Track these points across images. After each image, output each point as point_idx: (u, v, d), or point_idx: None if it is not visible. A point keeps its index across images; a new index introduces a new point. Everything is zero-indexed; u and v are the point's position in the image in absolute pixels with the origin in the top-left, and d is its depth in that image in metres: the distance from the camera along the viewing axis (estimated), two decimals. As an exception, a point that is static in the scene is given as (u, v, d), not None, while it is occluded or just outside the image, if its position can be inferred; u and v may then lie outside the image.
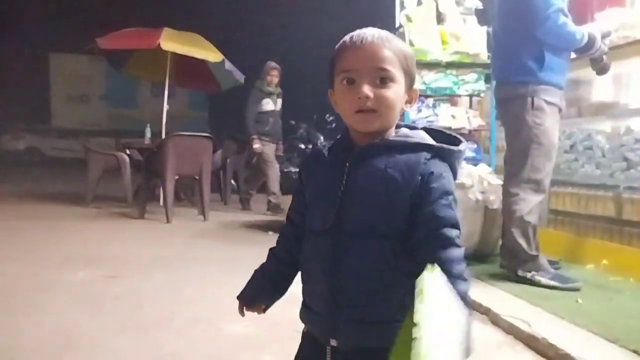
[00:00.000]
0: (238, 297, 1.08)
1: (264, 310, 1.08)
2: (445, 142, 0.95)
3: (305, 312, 1.01)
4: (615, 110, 3.06)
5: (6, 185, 7.86)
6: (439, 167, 0.92)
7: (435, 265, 0.72)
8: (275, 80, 5.93)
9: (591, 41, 2.63)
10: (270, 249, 1.10)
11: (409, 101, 0.99)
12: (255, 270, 1.10)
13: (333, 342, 0.94)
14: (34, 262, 3.31)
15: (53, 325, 2.21)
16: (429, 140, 0.95)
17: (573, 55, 2.77)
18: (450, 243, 0.89)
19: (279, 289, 1.07)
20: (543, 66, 2.64)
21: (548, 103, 2.66)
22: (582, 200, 3.23)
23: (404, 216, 0.91)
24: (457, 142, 0.95)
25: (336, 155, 0.98)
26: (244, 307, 1.07)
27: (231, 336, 2.15)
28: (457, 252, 0.89)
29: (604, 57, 2.70)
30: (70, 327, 2.20)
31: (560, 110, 2.72)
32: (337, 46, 0.98)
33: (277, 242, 1.09)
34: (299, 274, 1.04)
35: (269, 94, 5.90)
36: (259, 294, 1.07)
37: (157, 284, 2.92)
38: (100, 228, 4.74)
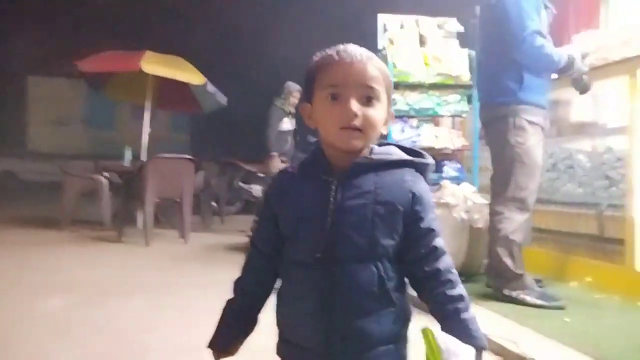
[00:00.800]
0: (210, 347, 0.99)
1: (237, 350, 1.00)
2: (412, 156, 0.96)
3: (289, 349, 0.94)
4: (595, 129, 3.12)
5: (-21, 210, 7.62)
6: (423, 182, 0.95)
7: (428, 327, 0.83)
8: (296, 101, 5.95)
9: (570, 62, 2.69)
10: (237, 284, 1.01)
11: (385, 122, 0.97)
12: (224, 312, 1.00)
13: None
14: (8, 290, 3.17)
15: (29, 356, 2.10)
16: (405, 155, 0.95)
17: (555, 75, 2.82)
18: (443, 252, 0.93)
19: (253, 326, 1.01)
20: (523, 86, 2.68)
21: (530, 122, 2.69)
22: (564, 218, 3.25)
23: (398, 235, 0.91)
24: (420, 155, 0.97)
25: (315, 177, 0.92)
26: (219, 356, 0.98)
27: (214, 364, 2.07)
28: (449, 259, 0.94)
29: (584, 76, 2.75)
30: (47, 358, 2.09)
31: (543, 129, 2.76)
32: (318, 60, 0.94)
33: (244, 275, 1.01)
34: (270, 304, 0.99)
35: (289, 114, 5.92)
36: (233, 337, 0.99)
37: (136, 311, 2.81)
38: (76, 253, 4.59)
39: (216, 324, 1.00)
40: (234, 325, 0.99)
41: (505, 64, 2.72)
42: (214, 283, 3.40)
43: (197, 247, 5.01)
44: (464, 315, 0.90)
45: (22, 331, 2.43)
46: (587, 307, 2.57)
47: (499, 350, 2.13)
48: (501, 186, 2.74)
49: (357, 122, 0.89)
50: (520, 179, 2.69)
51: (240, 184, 8.09)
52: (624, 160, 2.81)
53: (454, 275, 0.93)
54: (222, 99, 6.72)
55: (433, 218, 0.94)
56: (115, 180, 6.21)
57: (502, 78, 2.74)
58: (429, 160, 0.96)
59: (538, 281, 2.83)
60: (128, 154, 6.28)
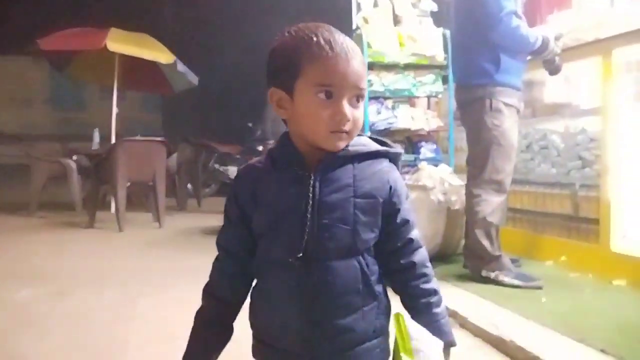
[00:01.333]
0: None
1: None
2: (381, 146, 0.93)
3: (266, 351, 0.89)
4: (569, 110, 3.13)
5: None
6: (397, 172, 0.93)
7: (400, 313, 0.84)
8: None
9: (545, 43, 2.68)
10: (208, 292, 0.94)
11: None
12: (195, 323, 0.94)
13: None
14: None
15: (-7, 352, 2.02)
16: (378, 146, 0.92)
17: (529, 57, 2.81)
18: (419, 245, 0.93)
19: (229, 335, 0.95)
20: (499, 68, 2.67)
21: (506, 105, 2.68)
22: (539, 198, 3.29)
23: (377, 228, 0.89)
24: (388, 145, 0.94)
25: (288, 171, 0.86)
26: None
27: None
28: (425, 252, 0.94)
29: (557, 58, 2.75)
30: (14, 351, 2.01)
31: (518, 111, 2.76)
32: (301, 46, 0.83)
33: (215, 281, 0.94)
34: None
35: None
36: (208, 350, 0.93)
37: (109, 300, 2.74)
38: (45, 240, 4.45)
39: (188, 338, 0.94)
40: (209, 337, 0.93)
41: (481, 45, 2.70)
42: (190, 269, 3.35)
43: (172, 231, 4.92)
44: (436, 310, 0.90)
45: (-11, 325, 2.33)
46: (563, 287, 2.62)
47: (477, 332, 2.15)
48: (478, 168, 2.74)
49: (347, 127, 0.84)
50: (497, 161, 2.69)
51: (216, 165, 7.96)
52: (598, 141, 2.84)
53: (429, 269, 0.93)
54: (193, 79, 6.54)
55: (408, 209, 0.92)
56: (84, 164, 6.03)
57: (478, 59, 2.71)
58: (400, 150, 0.96)
59: (515, 261, 2.87)
60: (96, 136, 6.09)
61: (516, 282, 2.62)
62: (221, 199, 6.26)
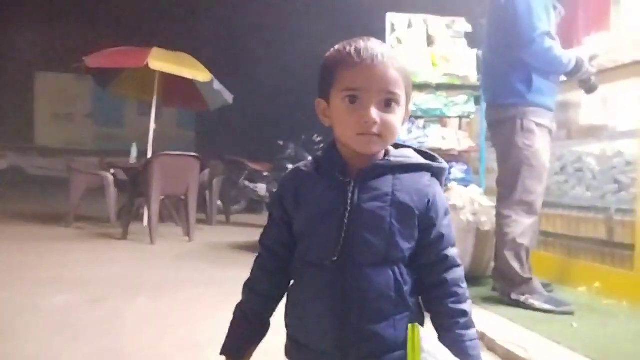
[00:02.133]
0: (223, 353, 0.96)
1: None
2: (427, 159, 0.94)
3: (300, 352, 0.92)
4: (605, 132, 3.07)
5: (-14, 205, 7.65)
6: (439, 188, 0.93)
7: (417, 325, 0.81)
8: None
9: (579, 64, 2.66)
10: (249, 287, 0.98)
11: (402, 122, 0.94)
12: (235, 316, 0.98)
13: None
14: (14, 284, 3.17)
15: (33, 352, 2.10)
16: (422, 159, 0.93)
17: (563, 77, 2.79)
18: (455, 264, 0.92)
19: (266, 330, 0.98)
20: (532, 88, 2.65)
21: (538, 125, 2.66)
22: (572, 222, 3.22)
23: (413, 239, 0.90)
24: (434, 158, 0.95)
25: (330, 176, 0.89)
26: None
27: (218, 364, 2.05)
28: (461, 272, 0.93)
29: (592, 77, 2.72)
30: (51, 354, 2.09)
31: (550, 132, 2.73)
32: (337, 57, 0.89)
33: (256, 276, 0.98)
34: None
35: None
36: (246, 342, 0.96)
37: (141, 308, 2.81)
38: (82, 249, 4.59)
39: (228, 329, 0.98)
40: (247, 329, 0.96)
41: (513, 65, 2.69)
42: (219, 281, 3.41)
43: (201, 245, 5.01)
44: (462, 331, 0.89)
45: (28, 326, 2.42)
46: (596, 313, 2.54)
47: (506, 355, 2.11)
48: (508, 189, 2.71)
49: (375, 129, 0.87)
50: (528, 183, 2.66)
51: (246, 182, 8.09)
52: (634, 165, 2.77)
53: (462, 290, 0.91)
54: (228, 97, 6.72)
55: (447, 225, 0.92)
56: (121, 177, 6.24)
57: (510, 79, 2.70)
58: (445, 165, 0.95)
59: (546, 285, 2.80)
60: (134, 151, 6.29)
61: (547, 306, 2.56)
62: (249, 215, 6.37)
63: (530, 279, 2.65)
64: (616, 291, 2.72)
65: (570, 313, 2.51)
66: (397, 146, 0.95)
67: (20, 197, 9.50)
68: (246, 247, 4.83)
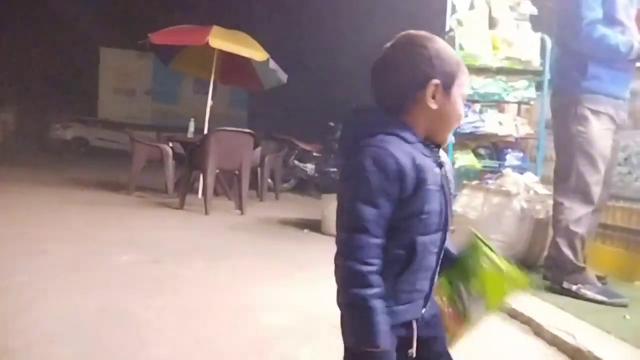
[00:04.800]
0: (383, 345, 0.87)
1: None
2: None
3: (402, 298, 0.94)
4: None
5: (55, 172, 8.18)
6: None
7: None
8: None
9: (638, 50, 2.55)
10: (370, 271, 0.88)
11: None
12: (376, 304, 0.88)
13: (423, 311, 0.99)
14: (85, 244, 3.43)
15: (102, 303, 2.29)
16: None
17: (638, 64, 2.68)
18: None
19: None
20: (586, 75, 2.59)
21: (594, 112, 2.59)
22: (633, 215, 3.11)
23: None
24: None
25: (427, 151, 0.95)
26: (389, 353, 0.90)
27: (268, 326, 2.17)
28: None
29: None
30: (118, 305, 2.27)
31: (612, 120, 2.63)
32: (459, 60, 0.99)
33: (374, 257, 0.89)
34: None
35: None
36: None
37: (197, 271, 2.98)
38: (142, 215, 4.87)
39: (371, 321, 0.88)
40: (385, 318, 0.90)
41: (568, 53, 2.68)
42: (266, 252, 3.55)
43: (252, 219, 5.18)
44: None
45: (98, 281, 2.64)
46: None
47: (553, 341, 2.10)
48: (563, 176, 2.67)
49: None
50: (582, 170, 2.60)
51: (296, 162, 8.23)
52: None
53: None
54: (283, 77, 6.82)
55: None
56: (178, 151, 6.50)
57: (566, 66, 2.70)
58: None
59: (601, 278, 2.74)
60: (192, 126, 6.53)
61: (599, 297, 2.51)
62: (296, 196, 6.48)
63: (584, 268, 2.60)
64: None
65: (624, 305, 2.45)
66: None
67: (85, 166, 10.09)
68: (294, 223, 4.96)
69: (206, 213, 5.07)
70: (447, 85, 0.95)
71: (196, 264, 3.13)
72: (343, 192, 0.93)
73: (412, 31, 1.00)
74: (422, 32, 0.99)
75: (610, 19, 2.56)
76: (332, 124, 8.30)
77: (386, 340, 0.88)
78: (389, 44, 0.99)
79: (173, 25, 6.45)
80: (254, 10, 11.92)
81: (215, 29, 6.09)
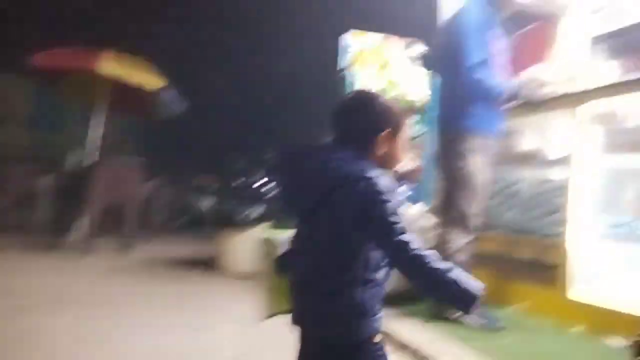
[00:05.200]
0: (479, 288, 1.14)
1: None
2: None
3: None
4: (538, 159, 3.26)
5: None
6: None
7: None
8: None
9: (513, 92, 2.84)
10: (434, 257, 1.15)
11: None
12: (458, 272, 1.15)
13: None
14: None
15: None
16: None
17: (511, 103, 2.93)
18: None
19: None
20: (469, 114, 2.79)
21: (473, 148, 2.79)
22: (506, 243, 3.36)
23: None
24: None
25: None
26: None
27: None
28: None
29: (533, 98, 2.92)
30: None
31: (489, 155, 2.86)
32: (398, 111, 1.32)
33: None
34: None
35: None
36: None
37: (67, 321, 2.67)
38: (12, 258, 4.32)
39: (460, 279, 1.13)
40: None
41: (451, 92, 2.86)
42: (152, 296, 3.26)
43: (139, 259, 4.82)
44: None
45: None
46: (526, 331, 2.65)
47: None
48: (445, 208, 2.84)
49: None
50: (464, 202, 2.78)
51: (191, 196, 7.94)
52: (562, 190, 2.95)
53: None
54: (180, 106, 6.57)
55: None
56: (58, 184, 5.94)
57: (448, 104, 2.89)
58: None
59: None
60: (73, 158, 6.02)
61: (480, 322, 2.64)
62: (191, 231, 6.15)
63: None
64: (542, 310, 2.85)
65: (502, 329, 2.60)
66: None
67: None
68: (183, 262, 4.69)
69: (87, 253, 4.63)
70: (395, 132, 1.28)
71: (68, 313, 2.80)
72: (380, 208, 1.15)
73: (364, 89, 1.39)
74: (373, 90, 1.37)
75: (487, 62, 2.80)
76: (231, 156, 8.13)
77: (476, 281, 1.15)
78: (348, 96, 1.34)
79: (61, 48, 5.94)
80: (155, 34, 11.50)
81: (106, 53, 5.73)
